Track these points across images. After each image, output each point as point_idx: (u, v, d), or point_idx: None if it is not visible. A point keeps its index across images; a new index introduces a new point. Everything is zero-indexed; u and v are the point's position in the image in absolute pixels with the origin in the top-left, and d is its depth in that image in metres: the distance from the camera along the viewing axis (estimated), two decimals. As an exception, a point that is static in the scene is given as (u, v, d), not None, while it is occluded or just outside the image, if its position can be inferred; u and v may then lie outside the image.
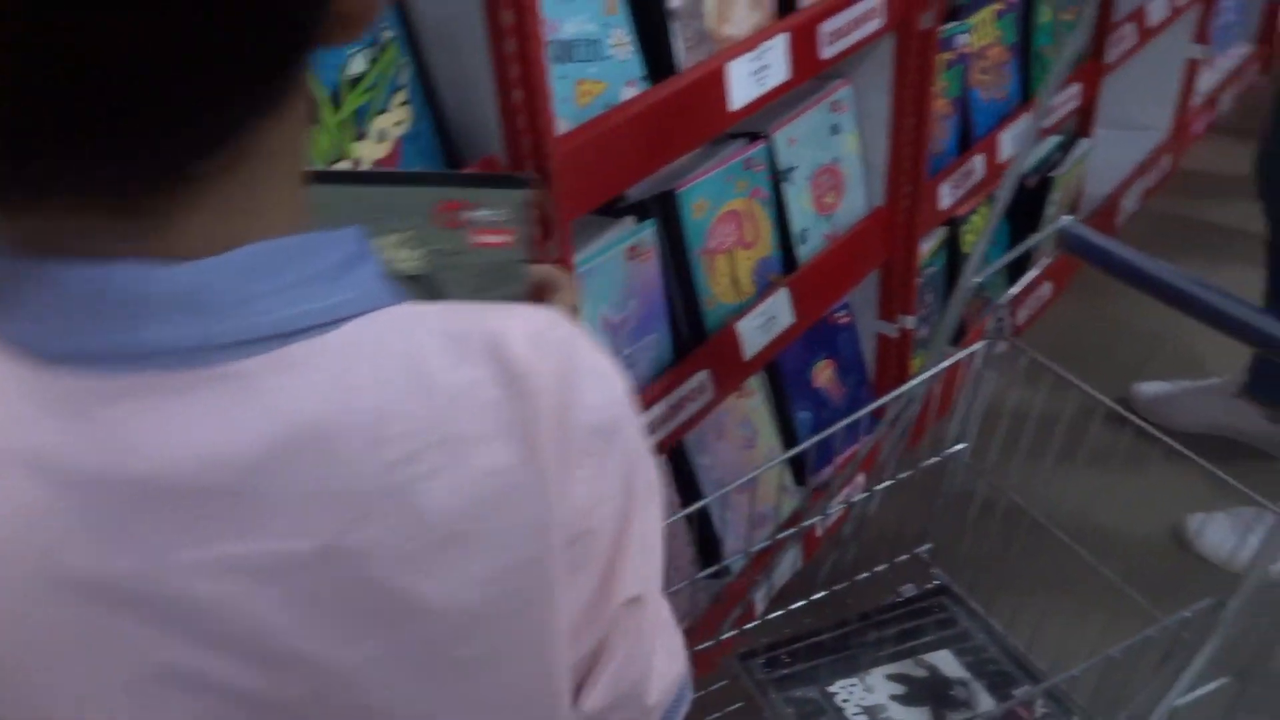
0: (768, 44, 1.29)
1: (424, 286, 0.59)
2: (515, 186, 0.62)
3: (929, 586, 1.23)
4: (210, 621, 0.40)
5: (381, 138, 1.03)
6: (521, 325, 0.45)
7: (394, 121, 1.03)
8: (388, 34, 1.01)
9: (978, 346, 1.14)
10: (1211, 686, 0.94)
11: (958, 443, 1.19)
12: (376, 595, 0.42)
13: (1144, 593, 0.99)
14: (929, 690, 1.10)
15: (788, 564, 1.74)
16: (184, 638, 0.40)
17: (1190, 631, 0.87)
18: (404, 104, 1.04)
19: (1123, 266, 1.03)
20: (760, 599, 1.56)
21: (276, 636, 0.41)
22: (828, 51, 1.39)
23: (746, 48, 1.27)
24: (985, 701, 1.06)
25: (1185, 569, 1.57)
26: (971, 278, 1.14)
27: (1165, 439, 1.01)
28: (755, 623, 1.25)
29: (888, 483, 1.18)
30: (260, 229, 0.41)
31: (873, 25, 1.45)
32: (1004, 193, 1.14)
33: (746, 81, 1.27)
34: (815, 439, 1.18)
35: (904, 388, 1.14)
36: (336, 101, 0.97)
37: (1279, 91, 1.66)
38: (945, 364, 1.14)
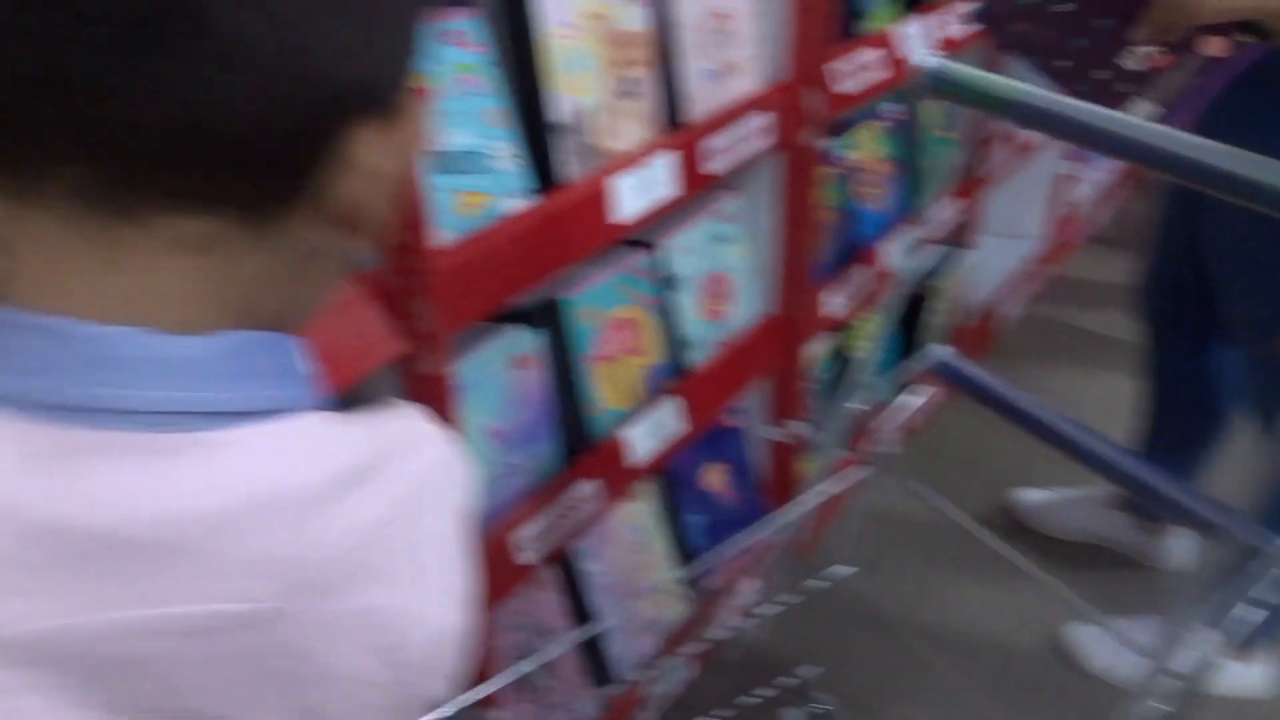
0: (653, 159, 1.31)
1: None
2: None
3: (817, 711, 1.22)
4: (132, 680, 0.41)
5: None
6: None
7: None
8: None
9: (859, 476, 1.15)
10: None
11: (846, 566, 1.20)
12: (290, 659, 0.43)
13: (1024, 711, 1.00)
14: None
15: (679, 674, 1.71)
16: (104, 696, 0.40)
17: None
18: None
19: (993, 399, 1.06)
20: (652, 711, 1.53)
21: (190, 695, 0.42)
22: (714, 166, 1.42)
23: (632, 162, 1.29)
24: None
25: (1067, 681, 1.59)
26: (851, 402, 1.16)
27: (1014, 557, 1.03)
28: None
29: (777, 609, 1.18)
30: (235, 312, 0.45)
31: (758, 143, 1.50)
32: (893, 303, 1.17)
33: (632, 195, 1.29)
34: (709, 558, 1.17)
35: (783, 519, 1.14)
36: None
37: (1158, 218, 1.75)
38: (819, 499, 1.15)
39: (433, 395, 1.10)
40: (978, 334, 2.56)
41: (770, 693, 1.23)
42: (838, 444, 1.23)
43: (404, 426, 0.51)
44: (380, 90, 0.44)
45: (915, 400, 2.20)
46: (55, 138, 0.38)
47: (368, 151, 0.44)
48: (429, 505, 0.49)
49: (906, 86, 1.02)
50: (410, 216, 1.00)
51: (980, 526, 1.05)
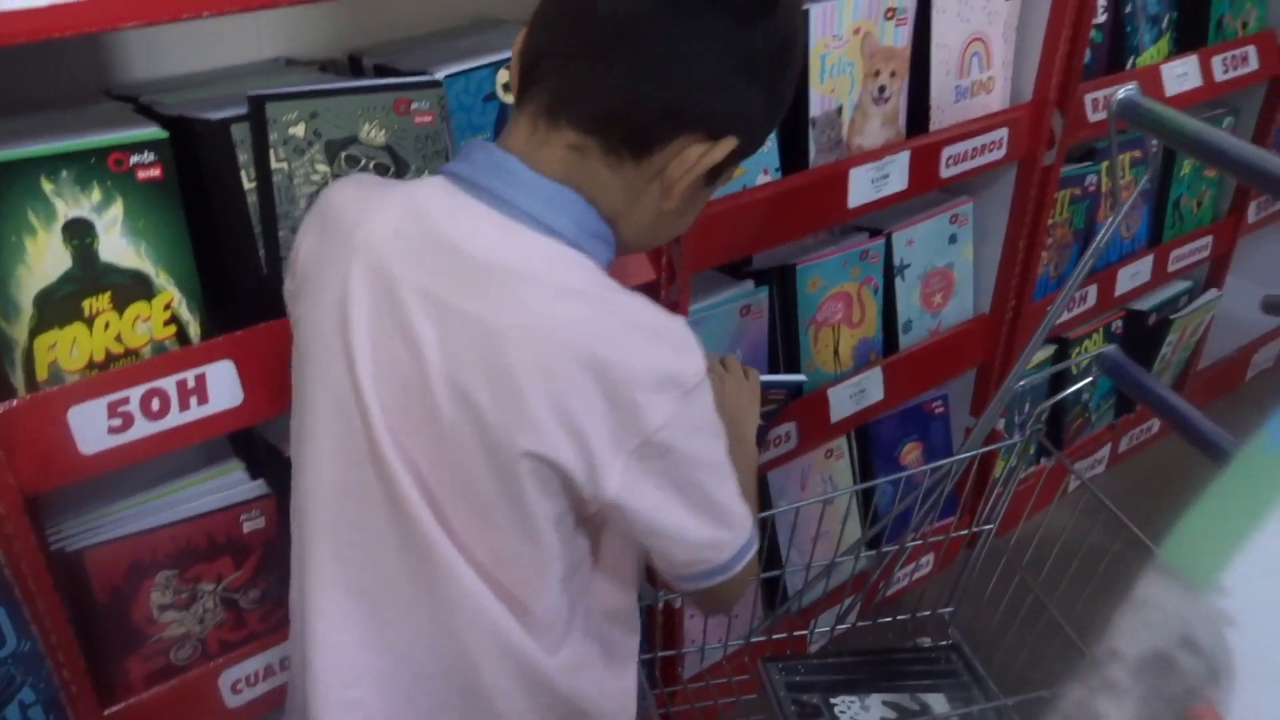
0: (891, 158, 1.52)
1: (389, 152, 1.09)
2: (435, 87, 1.11)
3: (942, 643, 1.41)
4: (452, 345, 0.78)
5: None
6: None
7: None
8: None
9: (1007, 443, 1.33)
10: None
11: (986, 523, 1.38)
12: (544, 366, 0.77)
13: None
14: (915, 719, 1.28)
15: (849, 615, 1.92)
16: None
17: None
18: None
19: (1153, 400, 1.20)
20: (816, 640, 1.75)
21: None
22: (946, 172, 1.61)
23: (871, 158, 1.51)
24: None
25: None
26: (1015, 382, 1.34)
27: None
28: (782, 635, 1.45)
29: (915, 542, 1.38)
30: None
31: (994, 155, 1.67)
32: (1042, 331, 1.33)
33: (865, 186, 1.51)
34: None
35: (941, 462, 1.34)
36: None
37: None
38: (973, 452, 1.33)
39: (671, 320, 1.38)
40: (1214, 377, 2.55)
41: (907, 618, 1.43)
42: (985, 432, 1.37)
43: (655, 322, 0.78)
44: (713, 125, 0.78)
45: (1110, 416, 2.25)
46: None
47: (692, 154, 0.78)
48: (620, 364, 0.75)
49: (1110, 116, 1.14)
50: (676, 175, 1.28)
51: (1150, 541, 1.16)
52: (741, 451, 0.97)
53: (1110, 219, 1.25)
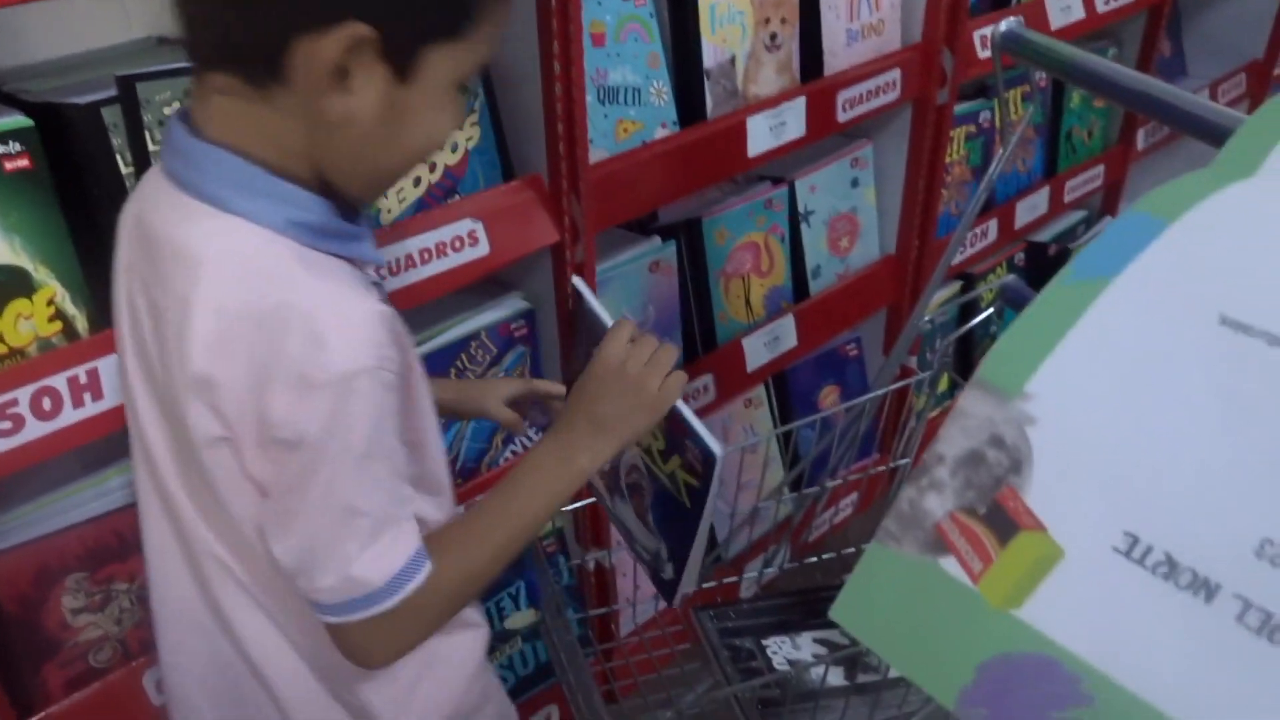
0: (788, 105, 1.53)
1: None
2: None
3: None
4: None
5: (455, 148, 1.29)
6: None
7: (466, 137, 1.30)
8: (467, 69, 1.28)
9: (916, 378, 1.36)
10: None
11: (902, 458, 1.41)
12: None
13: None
14: (849, 654, 1.31)
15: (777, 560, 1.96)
16: None
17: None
18: (475, 124, 1.30)
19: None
20: (746, 587, 1.78)
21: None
22: (843, 116, 1.62)
23: (768, 106, 1.51)
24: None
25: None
26: (920, 319, 1.36)
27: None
28: (712, 584, 1.47)
29: (836, 483, 1.40)
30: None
31: (889, 96, 1.69)
32: (942, 266, 1.36)
33: (764, 134, 1.51)
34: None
35: (854, 402, 1.36)
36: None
37: None
38: (884, 390, 1.36)
39: (579, 281, 1.37)
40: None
41: (832, 557, 1.46)
42: (894, 369, 1.39)
43: (304, 308, 0.71)
44: (314, 13, 0.67)
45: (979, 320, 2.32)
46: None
47: (313, 53, 0.68)
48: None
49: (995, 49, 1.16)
50: (572, 135, 1.27)
51: None
52: (577, 456, 0.86)
53: (1001, 152, 1.28)
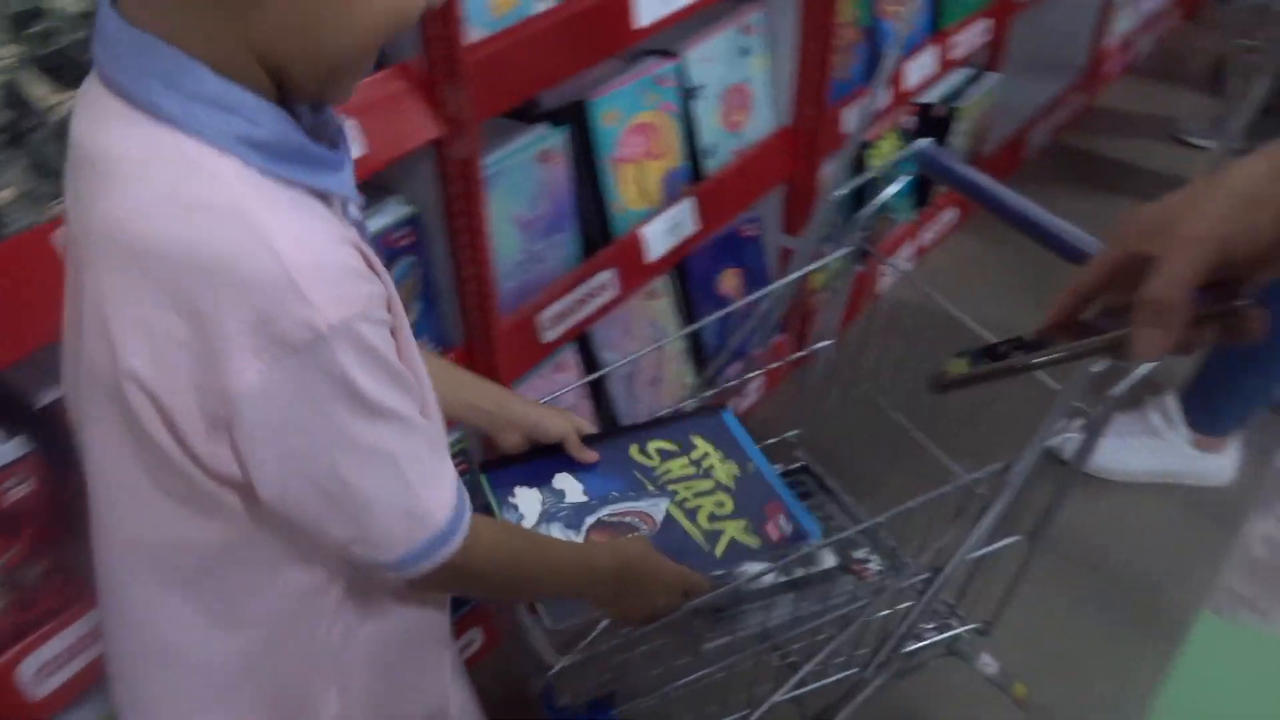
0: (675, -33, 1.40)
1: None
2: None
3: (793, 466, 1.40)
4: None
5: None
6: None
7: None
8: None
9: (835, 255, 1.28)
10: (1007, 542, 1.12)
11: (821, 340, 1.35)
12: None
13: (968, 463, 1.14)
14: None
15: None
16: None
17: (984, 489, 1.04)
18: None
19: (970, 187, 1.17)
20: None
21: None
22: (733, -23, 1.50)
23: (654, -29, 1.38)
24: (828, 559, 1.23)
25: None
26: (832, 192, 1.28)
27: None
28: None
29: (755, 374, 1.33)
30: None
31: (778, -45, 1.57)
32: (859, 132, 1.28)
33: (653, 2, 1.38)
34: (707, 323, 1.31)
35: (768, 288, 1.28)
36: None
37: None
38: (802, 271, 1.29)
39: (463, 180, 1.24)
40: (999, 159, 2.62)
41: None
42: (813, 247, 1.33)
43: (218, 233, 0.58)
44: None
45: (911, 211, 2.29)
46: None
47: None
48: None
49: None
50: (446, 12, 1.12)
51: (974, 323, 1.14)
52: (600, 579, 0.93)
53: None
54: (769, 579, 1.15)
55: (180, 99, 0.57)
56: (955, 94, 2.33)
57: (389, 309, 0.65)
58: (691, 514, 1.08)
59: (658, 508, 1.08)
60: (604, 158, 1.55)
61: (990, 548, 1.12)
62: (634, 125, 1.58)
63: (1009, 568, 1.20)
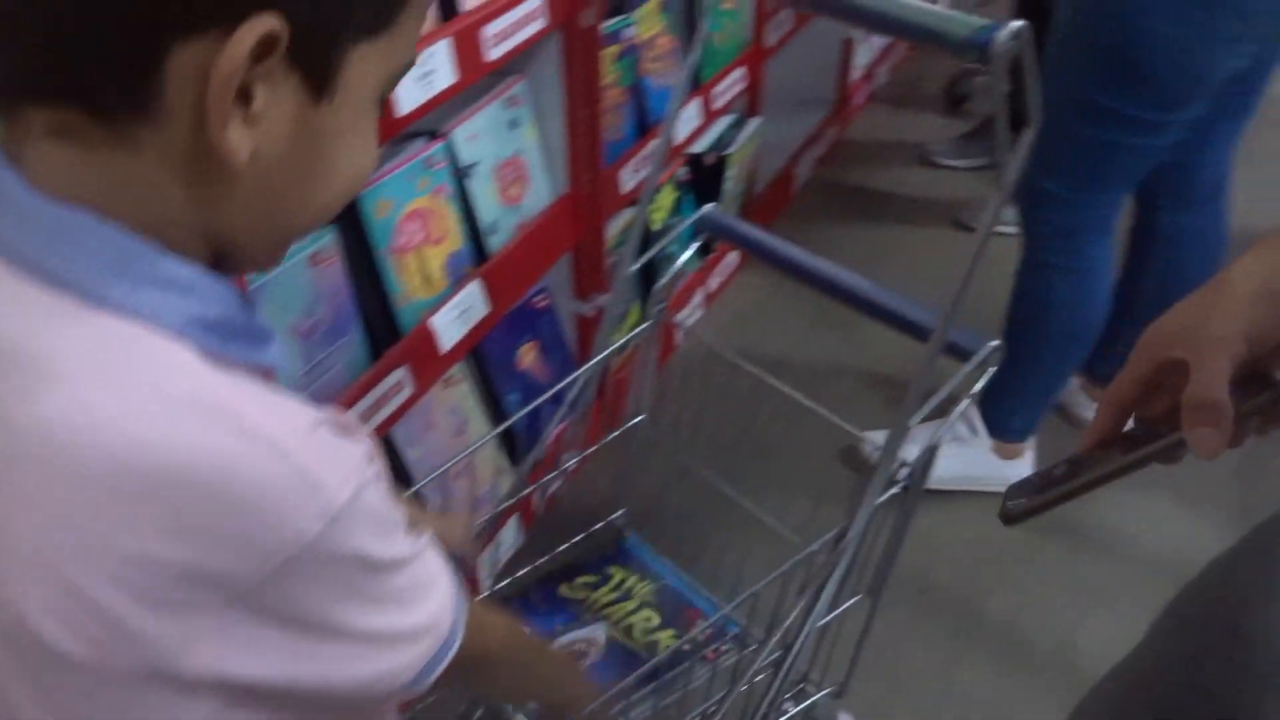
0: (430, 50, 1.33)
1: None
2: None
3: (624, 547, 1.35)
4: None
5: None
6: None
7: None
8: None
9: (639, 330, 1.25)
10: (850, 604, 1.11)
11: (635, 416, 1.31)
12: None
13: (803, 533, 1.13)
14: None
15: (510, 541, 1.82)
16: None
17: (824, 558, 1.02)
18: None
19: (758, 249, 1.17)
20: (486, 576, 1.63)
21: None
22: (494, 53, 1.45)
23: (410, 54, 1.31)
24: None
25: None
26: (629, 267, 1.25)
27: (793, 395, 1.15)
28: (482, 595, 1.32)
29: (572, 461, 1.28)
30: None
31: (536, 26, 1.53)
32: (652, 177, 1.26)
33: (413, 88, 1.31)
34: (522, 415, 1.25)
35: (577, 373, 1.23)
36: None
37: None
38: (609, 350, 1.24)
39: (229, 298, 1.12)
40: (771, 197, 2.69)
41: (581, 538, 1.35)
42: (618, 322, 1.31)
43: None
44: (198, 12, 0.46)
45: (697, 263, 2.32)
46: None
47: (223, 62, 0.46)
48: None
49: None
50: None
51: (763, 373, 1.16)
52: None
53: (687, 56, 1.17)
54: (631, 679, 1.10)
55: (128, 284, 0.49)
56: (722, 141, 2.37)
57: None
58: (627, 631, 1.26)
59: (598, 633, 1.25)
60: (381, 250, 1.46)
61: (834, 613, 1.10)
62: (409, 212, 1.50)
63: (855, 625, 1.19)
